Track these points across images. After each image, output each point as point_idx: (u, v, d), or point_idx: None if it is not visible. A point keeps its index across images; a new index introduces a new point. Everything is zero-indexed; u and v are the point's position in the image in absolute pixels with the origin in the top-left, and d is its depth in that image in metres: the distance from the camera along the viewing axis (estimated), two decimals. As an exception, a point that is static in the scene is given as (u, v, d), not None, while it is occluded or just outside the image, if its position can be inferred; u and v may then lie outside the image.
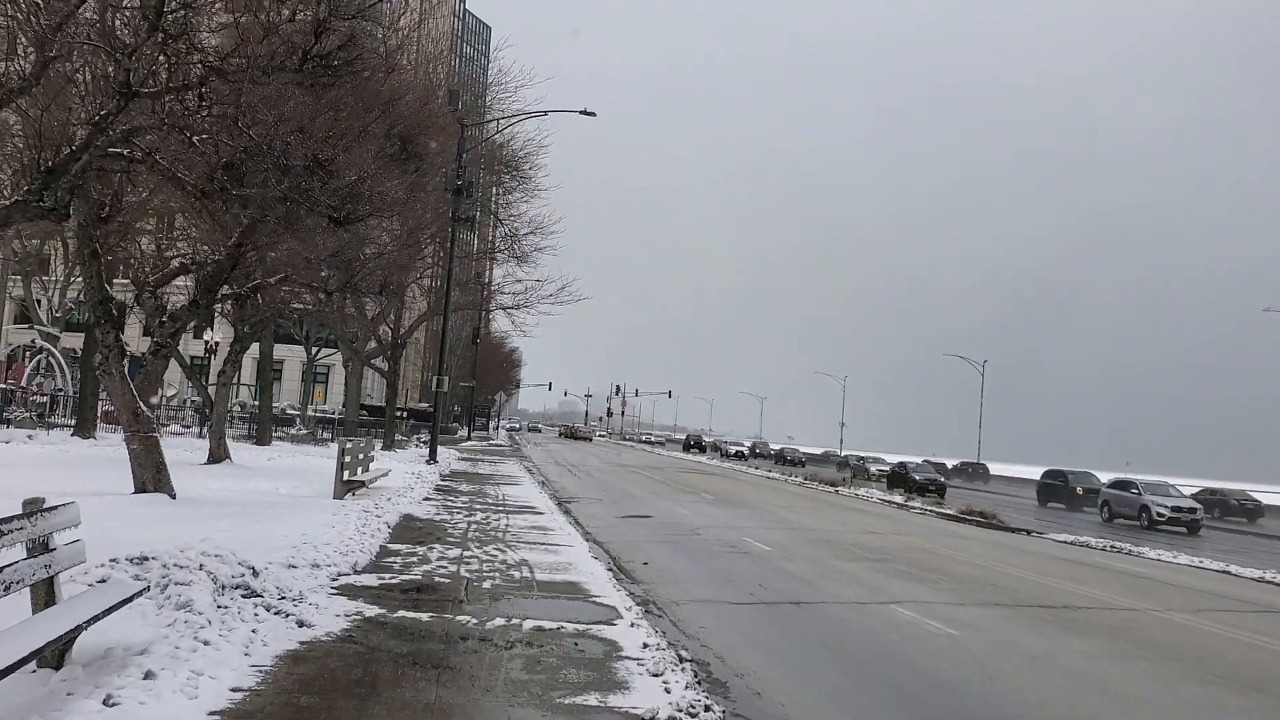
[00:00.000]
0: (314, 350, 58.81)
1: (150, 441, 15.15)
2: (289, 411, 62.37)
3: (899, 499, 38.92)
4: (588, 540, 17.28)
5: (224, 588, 8.92)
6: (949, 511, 34.05)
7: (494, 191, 47.84)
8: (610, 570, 13.55)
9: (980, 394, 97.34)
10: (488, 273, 54.11)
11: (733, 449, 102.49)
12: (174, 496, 15.52)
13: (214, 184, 11.75)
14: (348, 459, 19.60)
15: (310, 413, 61.25)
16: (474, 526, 17.04)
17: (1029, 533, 28.21)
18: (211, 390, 24.49)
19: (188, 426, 45.36)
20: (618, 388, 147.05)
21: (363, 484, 19.64)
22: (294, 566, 10.79)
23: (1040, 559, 20.28)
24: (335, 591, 10.13)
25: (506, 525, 17.64)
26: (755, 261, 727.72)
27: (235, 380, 24.03)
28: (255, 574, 9.70)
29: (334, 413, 62.63)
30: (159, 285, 16.22)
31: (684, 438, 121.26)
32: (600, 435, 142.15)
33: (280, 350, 75.15)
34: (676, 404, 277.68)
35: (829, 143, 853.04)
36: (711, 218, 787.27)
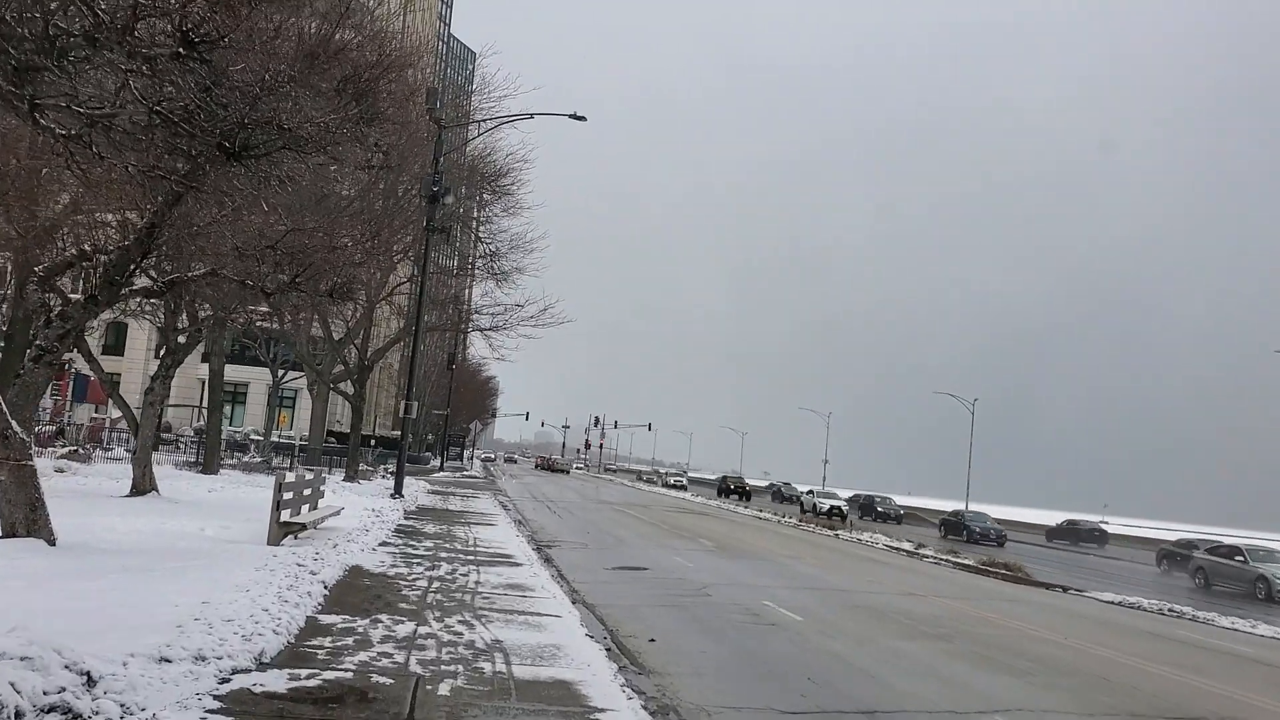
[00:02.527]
0: (280, 373, 55.31)
1: (23, 472, 11.78)
2: (252, 437, 58.72)
3: (907, 546, 35.75)
4: (576, 603, 13.99)
5: (19, 717, 5.62)
6: (967, 562, 30.95)
7: (475, 207, 44.66)
8: (609, 654, 10.28)
9: (970, 433, 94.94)
10: (466, 292, 50.84)
11: (826, 504, 59.24)
12: (52, 542, 12.13)
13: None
14: (287, 495, 16.22)
15: (275, 438, 57.59)
16: (437, 585, 13.69)
17: (1064, 589, 25.14)
18: (138, 412, 21.03)
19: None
20: (597, 419, 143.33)
21: (304, 526, 16.25)
22: (166, 660, 7.47)
23: (1123, 633, 17.10)
24: (216, 707, 6.78)
25: (477, 583, 14.30)
26: (738, 295, 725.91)
27: (165, 399, 20.57)
28: (91, 682, 6.42)
29: (298, 439, 59.01)
30: (50, 276, 12.90)
31: (718, 479, 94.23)
32: (578, 467, 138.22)
33: (245, 372, 71.76)
34: (655, 437, 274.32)
35: (815, 175, 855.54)
36: (694, 251, 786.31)
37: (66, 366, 41.27)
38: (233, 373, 70.38)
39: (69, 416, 44.02)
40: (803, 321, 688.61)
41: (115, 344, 71.30)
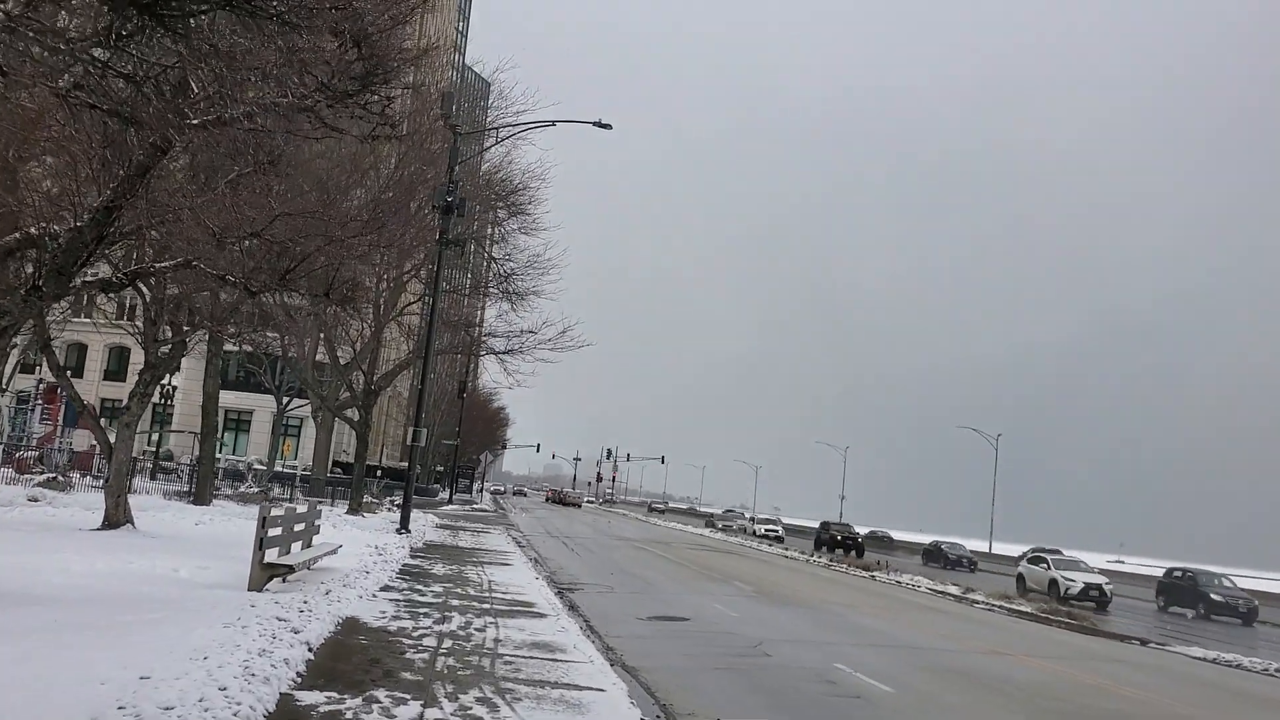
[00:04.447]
0: (285, 400, 53.08)
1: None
2: (255, 466, 56.39)
3: (953, 590, 33.10)
4: (615, 665, 11.53)
5: None
6: (1023, 609, 28.35)
7: (489, 224, 42.47)
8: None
9: (994, 469, 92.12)
10: (479, 313, 48.62)
11: (1079, 582, 35.74)
12: (-28, 590, 9.75)
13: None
14: (274, 531, 13.82)
15: (279, 467, 55.21)
16: (448, 644, 11.23)
17: (1142, 642, 22.58)
18: (112, 436, 18.70)
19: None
20: (609, 451, 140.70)
21: (292, 568, 13.82)
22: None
23: (1267, 707, 14.59)
24: None
25: (497, 640, 11.85)
26: (754, 329, 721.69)
27: (138, 421, 18.23)
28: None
29: (303, 469, 56.63)
30: (-15, 263, 10.62)
31: (819, 527, 66.86)
32: (588, 500, 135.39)
33: (249, 399, 69.60)
34: (667, 470, 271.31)
35: (839, 210, 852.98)
36: (711, 282, 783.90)
37: (59, 391, 38.97)
38: (237, 400, 68.64)
39: (63, 443, 41.73)
40: (819, 354, 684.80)
41: (117, 369, 69.29)
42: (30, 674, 7.12)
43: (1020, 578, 39.63)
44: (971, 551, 63.96)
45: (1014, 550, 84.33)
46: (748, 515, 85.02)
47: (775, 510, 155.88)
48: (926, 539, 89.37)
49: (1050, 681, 14.21)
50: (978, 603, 29.86)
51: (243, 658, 8.33)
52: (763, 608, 20.66)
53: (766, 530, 70.75)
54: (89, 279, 11.43)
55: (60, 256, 10.53)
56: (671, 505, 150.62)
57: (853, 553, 54.62)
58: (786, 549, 51.51)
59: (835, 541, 58.54)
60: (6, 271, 11.13)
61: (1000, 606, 28.92)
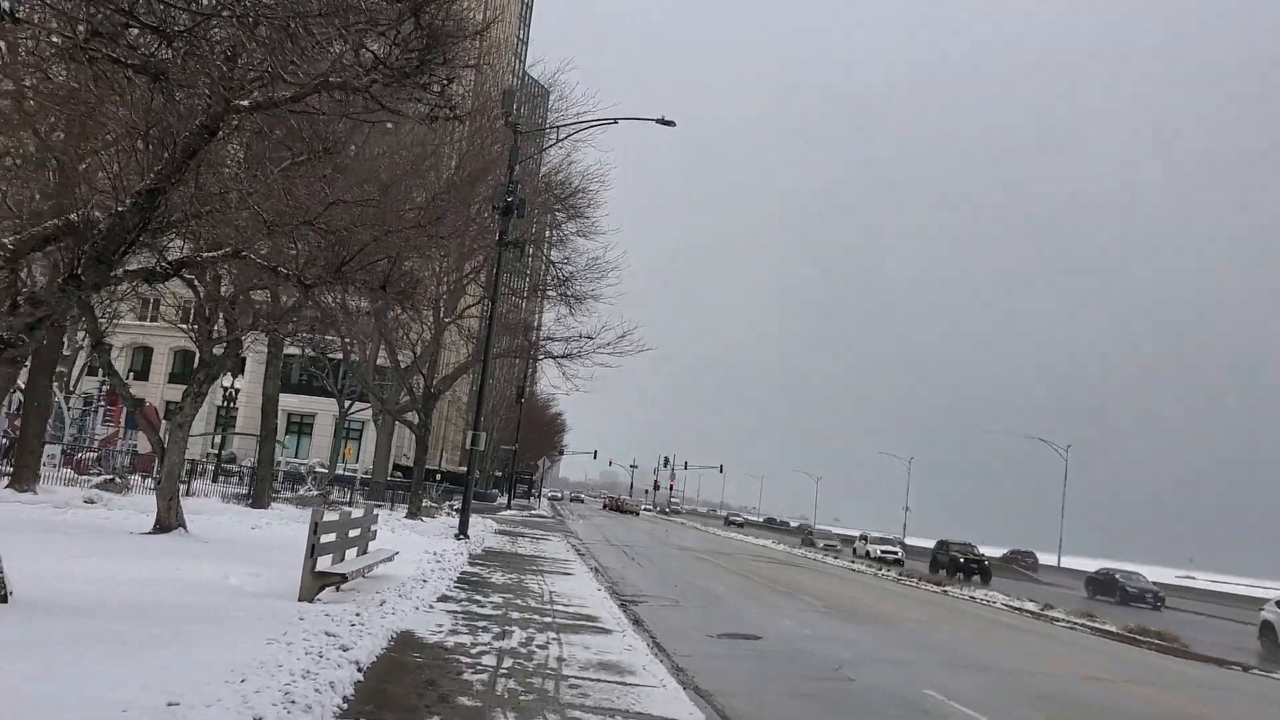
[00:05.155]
0: (347, 404, 53.01)
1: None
2: (317, 469, 56.35)
3: (1030, 606, 31.60)
4: (687, 688, 10.56)
5: None
6: (1108, 628, 26.80)
7: (547, 227, 41.84)
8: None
9: (1064, 481, 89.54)
10: (537, 317, 48.05)
11: None
12: (3, 598, 9.10)
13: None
14: (327, 537, 13.09)
15: (340, 470, 55.11)
16: (509, 663, 10.37)
17: (1244, 668, 21.07)
18: (166, 437, 18.20)
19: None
20: (666, 459, 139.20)
21: (345, 577, 13.07)
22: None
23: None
24: None
25: (560, 659, 10.96)
26: (805, 336, 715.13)
27: (191, 421, 17.68)
28: None
29: (363, 472, 56.50)
30: (21, 253, 9.99)
31: (934, 547, 58.16)
32: (646, 509, 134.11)
33: (312, 403, 69.87)
34: (725, 479, 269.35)
35: (894, 222, 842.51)
36: (756, 289, 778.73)
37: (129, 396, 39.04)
38: (300, 403, 68.95)
39: (127, 444, 41.77)
40: (879, 363, 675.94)
41: (181, 372, 69.83)
42: (40, 694, 6.36)
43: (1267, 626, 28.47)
44: (1155, 584, 48.22)
45: (1083, 565, 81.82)
46: (859, 534, 72.08)
47: (835, 521, 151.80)
48: (1049, 559, 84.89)
49: (1158, 714, 12.95)
50: (1058, 620, 28.44)
51: (284, 680, 7.52)
52: (836, 624, 19.54)
53: (884, 551, 60.52)
54: (131, 268, 10.81)
55: (100, 244, 9.88)
56: (747, 518, 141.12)
57: (976, 577, 48.87)
58: (851, 563, 50.00)
59: (957, 564, 51.09)
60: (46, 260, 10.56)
61: (1082, 625, 27.46)
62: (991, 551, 74.47)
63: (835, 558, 55.34)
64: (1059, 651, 19.53)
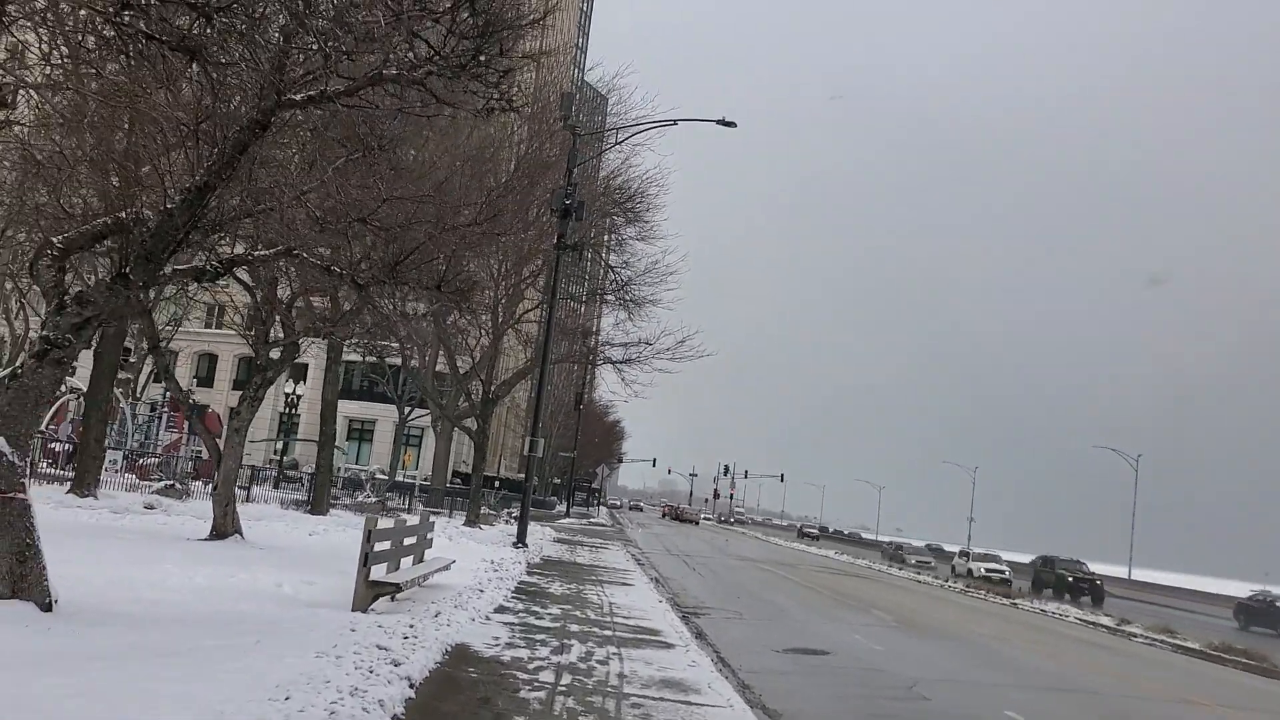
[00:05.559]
0: (407, 410, 53.13)
1: (8, 510, 8.54)
2: (378, 476, 56.61)
3: (1107, 621, 30.44)
4: (753, 708, 10.00)
5: None
6: (1191, 645, 25.57)
7: (606, 231, 41.47)
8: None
9: (1134, 491, 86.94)
10: (595, 322, 47.74)
11: None
12: (46, 606, 8.82)
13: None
14: (381, 545, 12.74)
15: (400, 477, 55.29)
16: (567, 680, 9.87)
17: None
18: (221, 443, 18.07)
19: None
20: (726, 468, 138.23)
21: (399, 587, 12.71)
22: None
23: None
24: None
25: (621, 676, 10.44)
26: (879, 349, 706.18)
27: (247, 426, 17.50)
28: None
29: (422, 479, 56.60)
30: (70, 251, 9.77)
31: (1035, 562, 56.23)
32: (705, 518, 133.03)
33: (372, 409, 70.31)
34: (785, 488, 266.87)
35: (969, 228, 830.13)
36: (826, 307, 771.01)
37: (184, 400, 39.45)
38: (360, 410, 69.45)
39: (191, 450, 42.17)
40: (945, 372, 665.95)
41: (245, 379, 70.70)
42: (75, 712, 6.01)
43: None
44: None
45: (1155, 577, 79.21)
46: (959, 550, 65.94)
47: (898, 531, 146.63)
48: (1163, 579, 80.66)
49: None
50: (1136, 635, 27.29)
51: (331, 698, 7.11)
52: (907, 639, 18.78)
53: (989, 570, 54.21)
54: (180, 266, 10.55)
55: (149, 242, 9.62)
56: (819, 530, 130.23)
57: (1086, 598, 44.96)
58: (919, 574, 48.86)
59: (1065, 583, 47.62)
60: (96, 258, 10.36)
61: (1162, 641, 26.29)
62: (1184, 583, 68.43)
63: (934, 577, 49.39)
64: (1143, 671, 18.62)
